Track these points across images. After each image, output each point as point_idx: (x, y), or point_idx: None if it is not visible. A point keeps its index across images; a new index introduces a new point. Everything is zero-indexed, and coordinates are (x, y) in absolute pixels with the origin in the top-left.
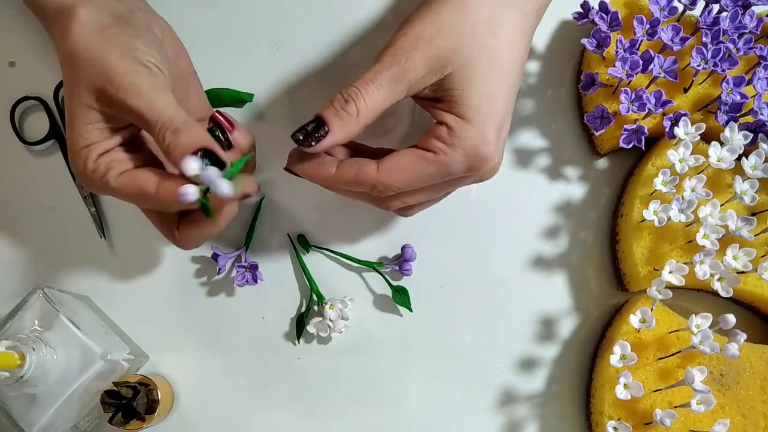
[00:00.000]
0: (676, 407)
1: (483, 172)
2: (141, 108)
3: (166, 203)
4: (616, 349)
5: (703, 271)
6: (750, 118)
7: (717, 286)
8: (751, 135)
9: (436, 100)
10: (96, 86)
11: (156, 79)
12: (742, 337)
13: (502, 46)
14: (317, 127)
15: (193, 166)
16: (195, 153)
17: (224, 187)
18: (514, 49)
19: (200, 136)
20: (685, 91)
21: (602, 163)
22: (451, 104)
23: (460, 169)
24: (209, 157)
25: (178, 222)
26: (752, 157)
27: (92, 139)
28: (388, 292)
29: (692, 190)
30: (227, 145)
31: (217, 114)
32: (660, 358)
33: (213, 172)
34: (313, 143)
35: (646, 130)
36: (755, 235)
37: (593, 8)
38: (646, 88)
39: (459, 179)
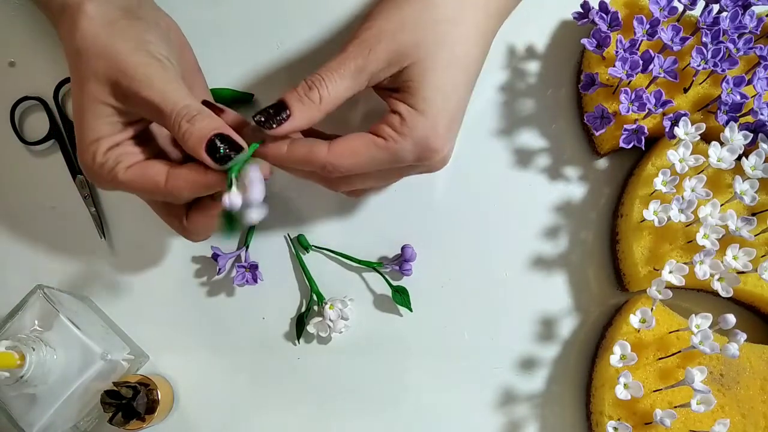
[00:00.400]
0: (676, 407)
1: (431, 163)
2: (155, 99)
3: (176, 193)
4: (616, 349)
5: (703, 271)
6: (750, 118)
7: (717, 286)
8: (751, 135)
9: (392, 90)
10: (108, 79)
11: (168, 71)
12: (742, 337)
13: (461, 43)
14: (279, 110)
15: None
16: (211, 139)
17: (254, 170)
18: (473, 47)
19: (216, 122)
20: (685, 91)
21: (602, 163)
22: (406, 95)
23: (409, 158)
24: (225, 142)
25: (186, 212)
26: (752, 157)
27: (101, 134)
28: (388, 292)
29: (692, 190)
30: None
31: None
32: (660, 358)
33: (241, 156)
34: (274, 126)
35: (646, 130)
36: (755, 235)
37: (593, 8)
38: (646, 88)
39: (407, 168)
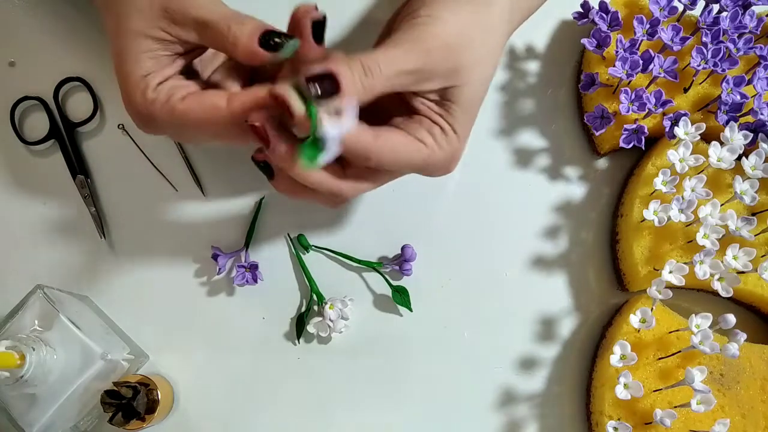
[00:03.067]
0: (676, 407)
1: (439, 175)
2: (204, 14)
3: (240, 115)
4: (616, 349)
5: (703, 271)
6: (750, 118)
7: (717, 286)
8: (751, 135)
9: (434, 102)
10: (155, 8)
11: None
12: (742, 337)
13: (493, 74)
14: (325, 79)
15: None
16: (262, 34)
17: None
18: (493, 68)
19: (262, 22)
20: (685, 91)
21: (602, 163)
22: (446, 114)
23: (433, 169)
24: (276, 35)
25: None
26: (752, 157)
27: (149, 69)
28: (388, 292)
29: (692, 190)
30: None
31: None
32: (660, 358)
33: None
34: (321, 96)
35: (646, 130)
36: (755, 235)
37: (593, 8)
38: (646, 88)
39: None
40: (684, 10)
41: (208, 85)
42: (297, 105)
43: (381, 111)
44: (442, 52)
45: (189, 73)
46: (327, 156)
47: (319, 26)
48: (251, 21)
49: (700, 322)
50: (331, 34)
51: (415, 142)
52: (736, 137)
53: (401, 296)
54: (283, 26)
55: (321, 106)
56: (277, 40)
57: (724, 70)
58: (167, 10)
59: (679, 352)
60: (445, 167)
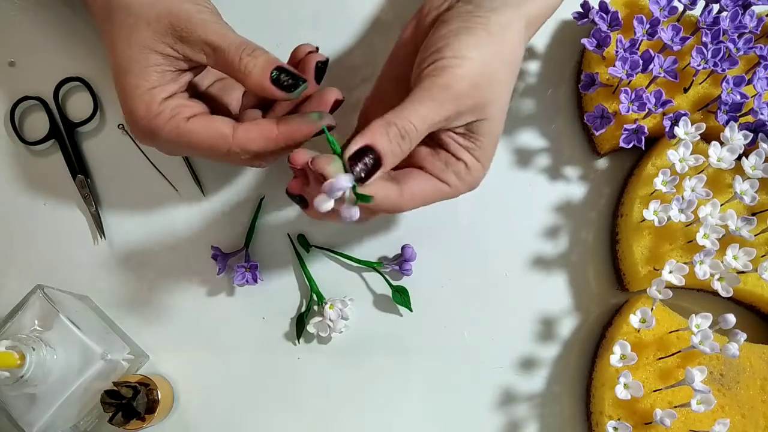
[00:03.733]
0: (676, 407)
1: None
2: (212, 38)
3: (245, 147)
4: (616, 349)
5: (703, 271)
6: (750, 118)
7: (717, 286)
8: (751, 135)
9: (460, 135)
10: (163, 24)
11: (218, 17)
12: (742, 337)
13: (506, 98)
14: (365, 155)
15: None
16: (274, 70)
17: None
18: (509, 94)
19: (274, 56)
20: (685, 90)
21: (602, 163)
22: (473, 147)
23: (456, 196)
24: (287, 73)
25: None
26: (752, 157)
27: (154, 83)
28: (388, 292)
29: (692, 190)
30: None
31: None
32: (660, 358)
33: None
34: (363, 175)
35: (646, 130)
36: (755, 235)
37: (593, 8)
38: (646, 87)
39: None
40: (684, 10)
41: (205, 96)
42: (331, 173)
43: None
44: (469, 93)
45: (191, 92)
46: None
47: (321, 67)
48: (263, 54)
49: (700, 322)
50: (336, 35)
51: (438, 185)
52: (736, 137)
53: (401, 296)
54: (284, 26)
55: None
56: (289, 80)
57: (724, 70)
58: (175, 27)
59: (679, 352)
60: (468, 191)
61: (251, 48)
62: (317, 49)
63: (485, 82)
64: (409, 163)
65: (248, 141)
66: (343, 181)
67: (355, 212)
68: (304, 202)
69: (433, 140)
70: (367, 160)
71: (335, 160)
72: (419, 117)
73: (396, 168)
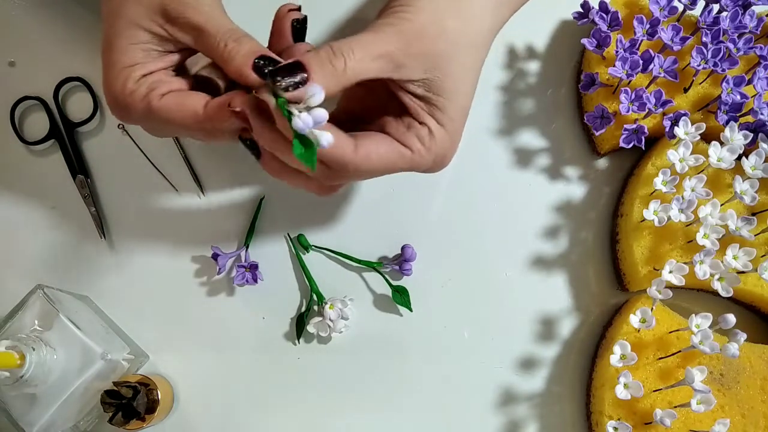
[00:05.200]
0: (676, 407)
1: (434, 171)
2: (201, 21)
3: (216, 121)
4: (616, 349)
5: (703, 271)
6: (750, 118)
7: (717, 286)
8: (751, 135)
9: (420, 99)
10: (155, 2)
11: (215, 1)
12: (742, 336)
13: (479, 69)
14: (293, 70)
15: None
16: (257, 60)
17: (316, 92)
18: (482, 62)
19: (260, 45)
20: (685, 90)
21: (602, 163)
22: (434, 108)
23: (423, 169)
24: (270, 62)
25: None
26: (752, 157)
27: (136, 59)
28: (388, 292)
29: (692, 190)
30: None
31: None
32: (660, 358)
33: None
34: (289, 88)
35: (646, 130)
36: (755, 235)
37: (593, 8)
38: (646, 87)
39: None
40: (684, 10)
41: (195, 80)
42: (268, 98)
43: (373, 110)
44: (415, 36)
45: (177, 72)
46: (316, 148)
47: (300, 27)
48: (248, 42)
49: (700, 322)
50: (324, 32)
51: (399, 148)
52: (736, 137)
53: (401, 296)
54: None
55: (289, 96)
56: (270, 68)
57: (724, 70)
58: (166, 7)
59: (679, 352)
60: (436, 166)
61: (238, 35)
62: (299, 8)
63: (435, 33)
64: (375, 129)
65: (218, 109)
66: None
67: (307, 120)
68: (256, 150)
69: (397, 108)
70: (297, 76)
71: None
72: (357, 43)
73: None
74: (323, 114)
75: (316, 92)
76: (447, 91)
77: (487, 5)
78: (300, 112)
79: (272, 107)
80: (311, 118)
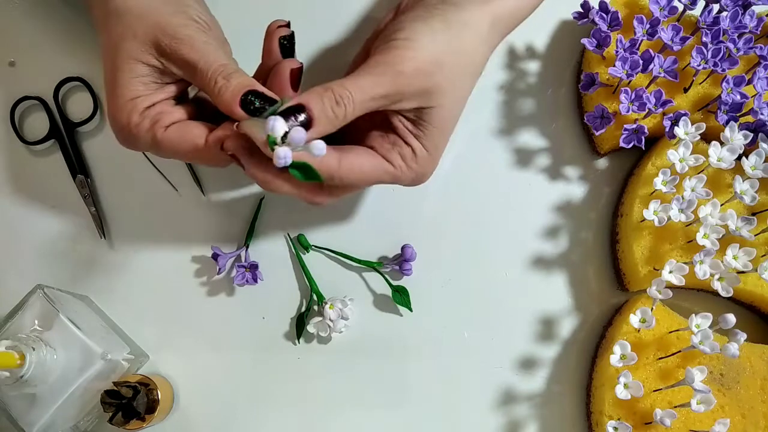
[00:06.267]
0: (676, 407)
1: (413, 185)
2: (195, 58)
3: (215, 154)
4: (616, 349)
5: (703, 270)
6: (750, 118)
7: (717, 286)
8: (751, 135)
9: (409, 121)
10: (148, 38)
11: (207, 34)
12: (742, 336)
13: (468, 95)
14: (296, 113)
15: (279, 126)
16: (245, 94)
17: (300, 134)
18: (469, 90)
19: (250, 80)
20: (685, 90)
21: (602, 162)
22: (422, 135)
23: (404, 184)
24: (259, 97)
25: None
26: (752, 157)
27: (138, 93)
28: (388, 292)
29: (692, 190)
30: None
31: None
32: (660, 358)
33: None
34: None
35: (646, 130)
36: (755, 235)
37: (593, 8)
38: (646, 87)
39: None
40: (684, 10)
41: (195, 102)
42: (254, 134)
43: (362, 122)
44: (413, 75)
45: (179, 100)
46: (315, 152)
47: (288, 44)
48: (237, 77)
49: (700, 322)
50: (329, 32)
51: (382, 163)
52: (736, 137)
53: (401, 296)
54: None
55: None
56: (257, 104)
57: (724, 70)
58: (159, 43)
59: (679, 352)
60: (415, 182)
61: (228, 71)
62: (288, 24)
63: (433, 70)
64: (361, 143)
65: (217, 142)
66: (278, 123)
67: (286, 153)
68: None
69: (385, 124)
70: (300, 117)
71: (258, 122)
72: (357, 86)
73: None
74: (322, 151)
75: (321, 149)
76: (437, 119)
77: (481, 35)
78: (292, 149)
79: (260, 143)
80: (311, 151)
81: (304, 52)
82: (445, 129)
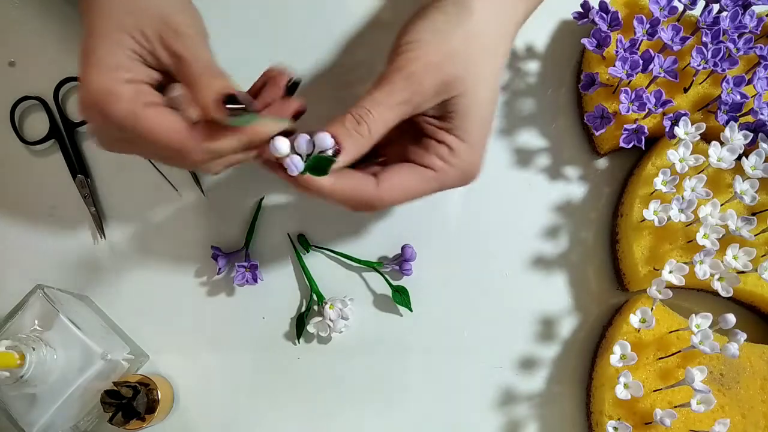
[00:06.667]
0: (676, 407)
1: (468, 182)
2: (187, 55)
3: (195, 146)
4: (616, 349)
5: (703, 270)
6: (750, 118)
7: (717, 285)
8: (751, 135)
9: (435, 117)
10: (153, 20)
11: (202, 36)
12: (742, 336)
13: (497, 73)
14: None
15: (282, 146)
16: (222, 99)
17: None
18: (501, 72)
19: (233, 86)
20: (685, 90)
21: (602, 163)
22: (451, 126)
23: (453, 185)
24: (235, 102)
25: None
26: (752, 157)
27: (122, 63)
28: (388, 292)
29: (692, 190)
30: None
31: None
32: (660, 358)
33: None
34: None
35: (646, 130)
36: (755, 235)
37: (593, 8)
38: (646, 87)
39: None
40: (684, 10)
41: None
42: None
43: (398, 142)
44: (424, 72)
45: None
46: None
47: (293, 86)
48: (222, 80)
49: (700, 322)
50: (336, 33)
51: (423, 172)
52: (736, 137)
53: (401, 296)
54: (283, 26)
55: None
56: (235, 110)
57: (724, 70)
58: (161, 32)
59: (679, 352)
60: (466, 179)
61: (216, 72)
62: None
63: (443, 61)
64: (400, 159)
65: (205, 135)
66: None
67: (296, 162)
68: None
69: (418, 134)
70: (328, 148)
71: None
72: (373, 102)
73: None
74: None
75: (324, 139)
76: (464, 107)
77: (489, 13)
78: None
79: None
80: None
81: (313, 53)
82: (476, 115)
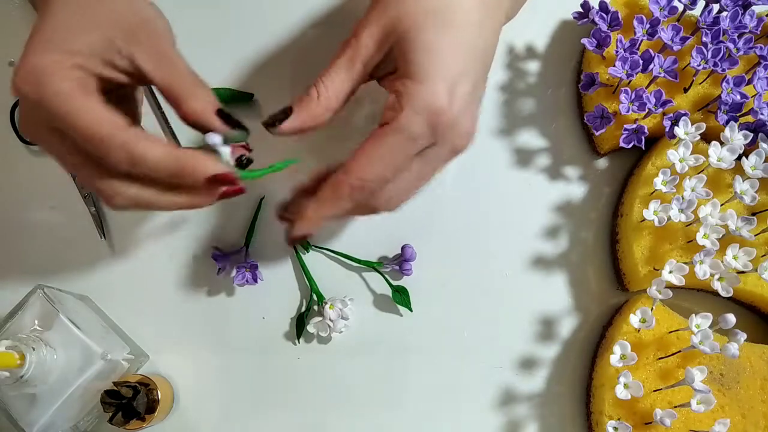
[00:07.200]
0: (676, 407)
1: (451, 137)
2: (172, 56)
3: (138, 149)
4: (616, 349)
5: (703, 270)
6: (750, 118)
7: (717, 286)
8: (751, 135)
9: (392, 74)
10: (124, 17)
11: (174, 45)
12: (742, 336)
13: (454, 9)
14: (283, 112)
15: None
16: (218, 110)
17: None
18: (473, 11)
19: (215, 102)
20: (685, 90)
21: (602, 162)
22: (399, 69)
23: (420, 130)
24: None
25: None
26: (752, 157)
27: (80, 50)
28: (388, 292)
29: (692, 190)
30: None
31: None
32: (660, 358)
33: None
34: (276, 124)
35: (646, 130)
36: (755, 235)
37: (593, 8)
38: (646, 87)
39: (433, 151)
40: (684, 10)
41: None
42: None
43: None
44: (362, 24)
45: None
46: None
47: (244, 162)
48: (209, 91)
49: (700, 322)
50: (333, 30)
51: (377, 133)
52: (736, 137)
53: (401, 296)
54: (283, 26)
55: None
56: (229, 121)
57: (724, 70)
58: (134, 30)
59: (679, 352)
60: (433, 121)
61: (202, 81)
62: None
63: (381, 9)
64: None
65: (147, 145)
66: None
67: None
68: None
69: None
70: (276, 114)
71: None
72: (326, 69)
73: None
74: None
75: (218, 144)
76: (405, 46)
77: None
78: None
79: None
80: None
81: (312, 53)
82: (422, 45)
